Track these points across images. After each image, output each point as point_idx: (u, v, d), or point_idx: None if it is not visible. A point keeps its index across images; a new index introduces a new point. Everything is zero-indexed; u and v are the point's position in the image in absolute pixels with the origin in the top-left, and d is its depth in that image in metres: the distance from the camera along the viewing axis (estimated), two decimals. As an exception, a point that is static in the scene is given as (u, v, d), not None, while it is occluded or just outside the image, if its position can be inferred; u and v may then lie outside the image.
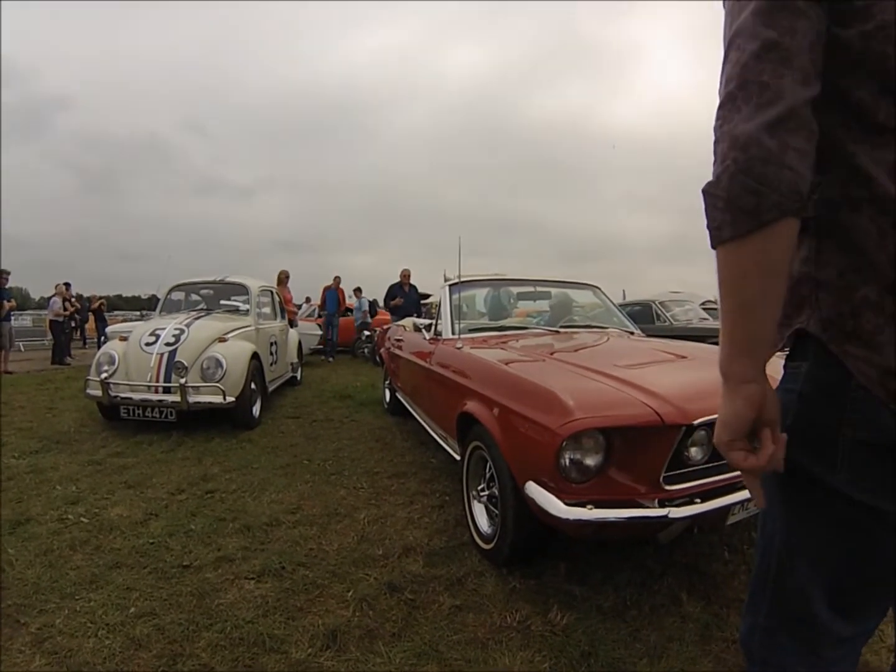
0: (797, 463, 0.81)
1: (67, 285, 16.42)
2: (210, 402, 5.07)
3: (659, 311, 9.93)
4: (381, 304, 12.24)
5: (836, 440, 0.77)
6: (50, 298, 14.23)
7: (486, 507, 2.79)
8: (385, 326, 7.28)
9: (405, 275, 10.35)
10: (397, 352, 5.40)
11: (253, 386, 5.63)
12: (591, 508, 1.99)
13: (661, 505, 2.03)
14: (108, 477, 3.88)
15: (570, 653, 1.97)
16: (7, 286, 10.65)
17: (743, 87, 0.72)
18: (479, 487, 2.85)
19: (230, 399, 5.10)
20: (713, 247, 0.76)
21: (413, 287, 10.50)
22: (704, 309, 11.04)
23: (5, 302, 10.60)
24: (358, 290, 13.34)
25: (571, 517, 1.99)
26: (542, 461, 2.11)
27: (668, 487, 2.09)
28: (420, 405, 4.48)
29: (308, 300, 16.59)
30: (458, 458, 3.20)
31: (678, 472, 2.14)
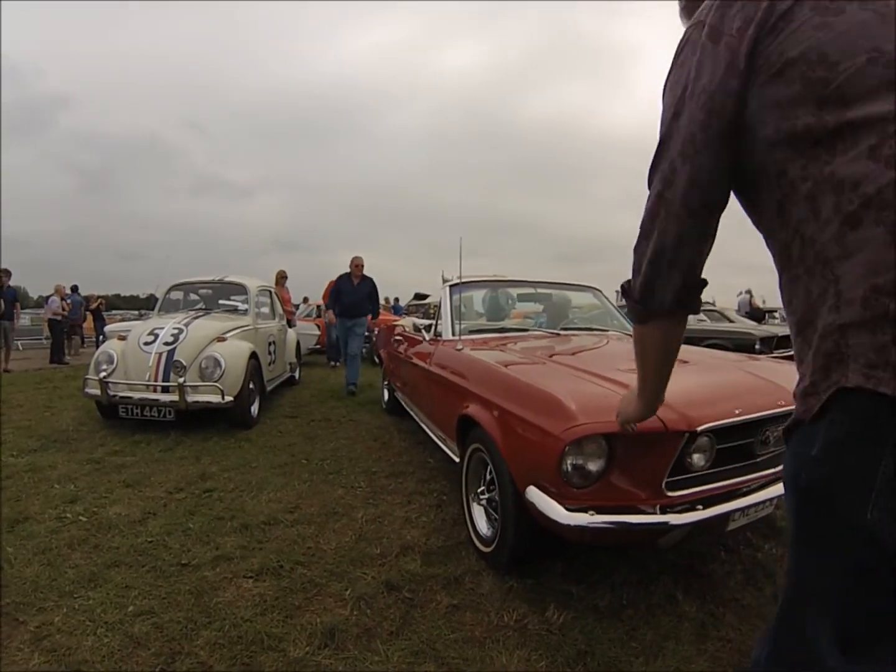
0: (822, 495, 0.81)
1: (74, 288, 16.47)
2: (208, 402, 5.08)
3: (656, 313, 9.94)
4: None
5: (876, 474, 0.72)
6: (48, 297, 14.22)
7: (486, 510, 2.77)
8: (384, 326, 7.27)
9: (357, 264, 7.73)
10: (397, 352, 5.42)
11: (251, 385, 5.63)
12: (592, 514, 1.97)
13: (663, 511, 2.02)
14: (107, 476, 3.88)
15: (567, 651, 1.98)
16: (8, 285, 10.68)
17: (645, 234, 1.00)
18: (479, 490, 2.83)
19: (229, 398, 5.11)
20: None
21: (367, 279, 7.80)
22: (701, 310, 11.06)
23: (13, 301, 10.66)
24: None
25: (572, 523, 1.98)
26: (544, 466, 2.08)
27: (669, 493, 2.06)
28: (419, 406, 4.47)
29: (306, 300, 16.53)
30: (457, 460, 3.18)
31: (680, 477, 2.11)
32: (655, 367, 1.23)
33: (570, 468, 2.03)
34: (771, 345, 9.08)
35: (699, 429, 2.01)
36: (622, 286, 1.15)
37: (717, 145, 0.89)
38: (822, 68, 0.76)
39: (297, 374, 8.58)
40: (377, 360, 7.78)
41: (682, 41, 0.95)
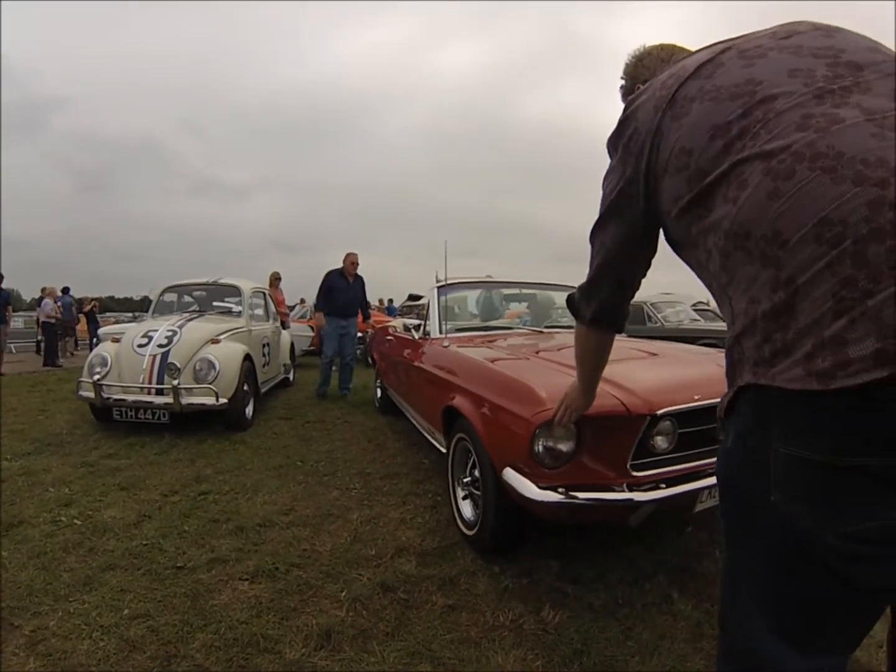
0: (734, 484, 0.94)
1: (66, 290, 16.40)
2: (203, 404, 5.07)
3: (650, 313, 9.99)
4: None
5: (769, 459, 0.84)
6: (41, 300, 14.16)
7: (471, 495, 2.95)
8: (379, 327, 7.26)
9: (352, 261, 7.38)
10: (388, 351, 5.63)
11: (245, 387, 5.63)
12: (562, 492, 2.14)
13: (629, 489, 2.18)
14: (101, 479, 3.87)
15: (563, 651, 1.99)
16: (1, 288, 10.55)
17: (590, 276, 1.35)
18: (464, 477, 3.00)
19: (223, 400, 5.10)
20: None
21: (360, 278, 7.54)
22: (696, 310, 11.10)
23: (5, 305, 10.56)
24: None
25: (544, 499, 2.15)
26: (518, 448, 2.27)
27: (635, 473, 2.24)
28: (409, 401, 4.65)
29: (303, 301, 16.46)
30: (444, 451, 3.34)
31: (646, 460, 2.29)
32: (581, 361, 1.63)
33: (541, 449, 2.22)
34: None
35: (659, 412, 2.20)
36: (567, 298, 1.56)
37: (628, 235, 1.23)
38: (684, 156, 1.00)
39: (291, 376, 8.58)
40: (371, 361, 7.76)
41: (608, 145, 1.24)
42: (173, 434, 5.05)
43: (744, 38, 1.06)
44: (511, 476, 2.30)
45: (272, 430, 5.52)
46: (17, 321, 26.54)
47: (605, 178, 1.24)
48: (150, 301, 7.09)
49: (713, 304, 14.24)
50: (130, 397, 5.08)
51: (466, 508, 2.96)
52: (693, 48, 1.25)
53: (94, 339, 11.43)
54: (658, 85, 1.11)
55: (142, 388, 5.08)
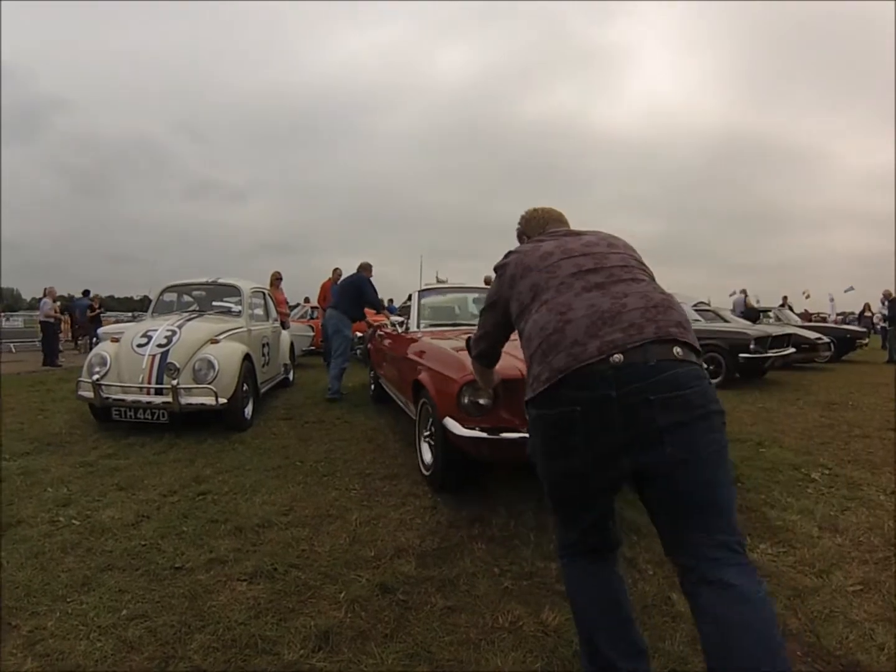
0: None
1: (86, 292, 16.63)
2: (202, 404, 5.07)
3: (651, 313, 9.94)
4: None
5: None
6: (41, 300, 14.17)
7: (429, 446, 3.85)
8: (375, 325, 7.39)
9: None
10: (379, 345, 6.56)
11: (245, 387, 5.62)
12: (477, 430, 3.08)
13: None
14: (100, 479, 3.86)
15: (562, 653, 1.98)
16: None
17: (476, 338, 2.26)
18: (425, 432, 3.94)
19: (222, 400, 5.10)
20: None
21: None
22: (696, 310, 11.08)
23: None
24: None
25: (468, 435, 3.08)
26: (451, 401, 3.25)
27: None
28: (391, 382, 5.65)
29: (307, 300, 16.42)
30: (414, 417, 4.24)
31: None
32: (476, 374, 2.60)
33: (466, 401, 3.19)
34: (766, 344, 9.09)
35: None
36: (465, 341, 2.50)
37: (500, 322, 2.04)
38: (515, 293, 1.85)
39: (291, 376, 8.58)
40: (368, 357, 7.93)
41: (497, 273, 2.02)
42: (172, 434, 5.04)
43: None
44: (448, 422, 3.22)
45: (271, 430, 5.52)
46: (16, 321, 26.56)
47: (489, 292, 2.10)
48: (150, 301, 7.08)
49: (714, 304, 14.25)
50: (129, 397, 5.08)
51: (426, 455, 3.88)
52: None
53: (94, 339, 11.42)
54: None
55: (141, 388, 5.07)
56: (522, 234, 2.28)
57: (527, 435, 2.40)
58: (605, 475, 1.55)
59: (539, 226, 2.19)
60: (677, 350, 1.51)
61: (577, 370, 1.48)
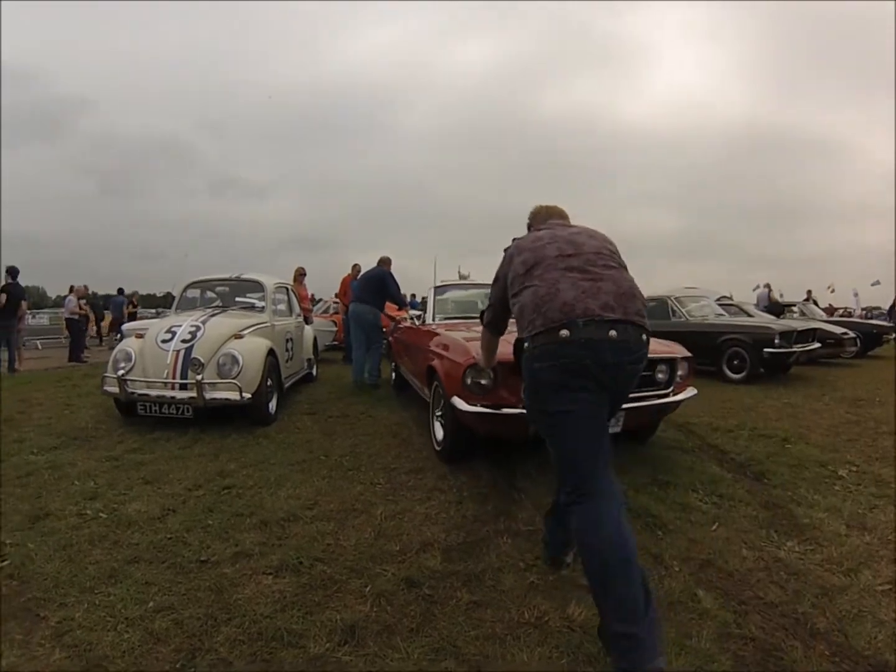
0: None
1: (120, 290, 16.99)
2: (226, 399, 5.10)
3: (675, 307, 9.86)
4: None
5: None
6: (66, 297, 14.36)
7: (441, 424, 4.32)
8: (397, 319, 7.55)
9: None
10: (400, 336, 7.05)
11: (269, 382, 5.64)
12: (480, 406, 3.53)
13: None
14: (126, 473, 3.90)
15: (588, 648, 1.96)
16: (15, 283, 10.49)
17: (487, 307, 2.73)
18: (437, 411, 4.40)
19: (246, 395, 5.12)
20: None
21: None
22: (720, 305, 10.94)
23: (23, 301, 10.59)
24: None
25: (471, 410, 3.54)
26: (456, 381, 3.70)
27: None
28: (409, 370, 6.19)
29: (337, 296, 16.52)
30: (428, 400, 4.70)
31: None
32: (482, 346, 3.01)
33: (470, 382, 3.60)
34: (790, 339, 8.95)
35: None
36: (480, 312, 2.92)
37: (502, 295, 2.44)
38: (512, 268, 2.33)
39: (314, 371, 8.60)
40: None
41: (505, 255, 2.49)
42: (197, 429, 5.08)
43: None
44: (455, 400, 3.66)
45: (296, 424, 5.54)
46: (42, 318, 26.96)
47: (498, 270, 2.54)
48: (174, 297, 7.12)
49: (737, 299, 14.07)
50: (154, 392, 5.12)
51: (439, 433, 4.33)
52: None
53: (118, 335, 11.55)
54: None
55: (165, 384, 5.11)
56: (530, 226, 2.75)
57: (524, 411, 2.54)
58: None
59: (542, 219, 2.67)
60: (635, 330, 2.06)
61: (566, 323, 1.98)
